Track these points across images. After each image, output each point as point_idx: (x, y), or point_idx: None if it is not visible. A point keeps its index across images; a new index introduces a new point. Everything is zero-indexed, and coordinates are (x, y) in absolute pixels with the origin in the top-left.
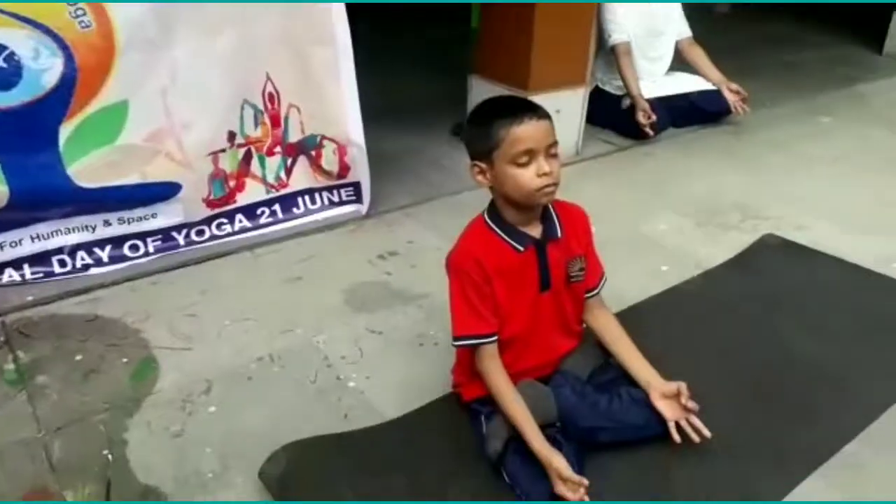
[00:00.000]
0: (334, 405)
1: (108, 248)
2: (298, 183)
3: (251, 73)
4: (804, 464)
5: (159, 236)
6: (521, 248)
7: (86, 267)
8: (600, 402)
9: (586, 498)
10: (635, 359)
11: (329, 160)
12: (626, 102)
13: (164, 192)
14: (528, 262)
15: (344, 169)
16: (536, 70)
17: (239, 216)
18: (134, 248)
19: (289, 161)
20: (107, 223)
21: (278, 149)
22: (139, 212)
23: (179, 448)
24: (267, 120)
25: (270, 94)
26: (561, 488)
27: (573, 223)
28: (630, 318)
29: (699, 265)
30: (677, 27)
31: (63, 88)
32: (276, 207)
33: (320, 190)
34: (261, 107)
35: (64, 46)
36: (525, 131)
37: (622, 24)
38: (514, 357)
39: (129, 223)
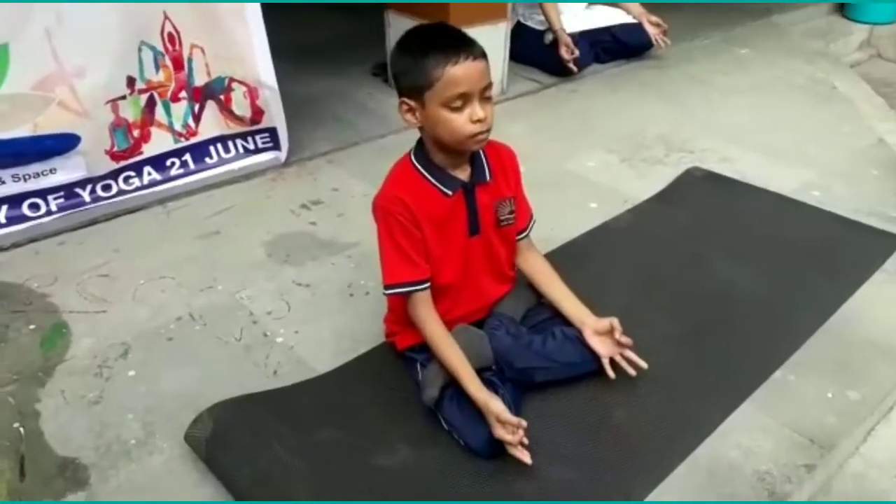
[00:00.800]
0: (262, 362)
1: (3, 208)
2: (209, 130)
3: (146, 12)
4: (736, 392)
5: (61, 193)
6: (450, 193)
7: None
8: (535, 342)
9: (525, 440)
10: (567, 298)
11: (240, 104)
12: (549, 38)
13: (61, 144)
14: (456, 207)
15: (257, 113)
16: (454, 4)
17: (147, 168)
18: (34, 206)
19: (196, 107)
20: (1, 181)
21: (184, 94)
22: (36, 167)
23: (98, 416)
24: (168, 62)
25: (170, 35)
26: (500, 431)
27: (502, 164)
28: (562, 257)
29: (627, 200)
30: None
31: None
32: (187, 157)
33: (233, 137)
34: (160, 48)
35: None
36: (461, 72)
37: None
38: (450, 305)
39: (25, 180)
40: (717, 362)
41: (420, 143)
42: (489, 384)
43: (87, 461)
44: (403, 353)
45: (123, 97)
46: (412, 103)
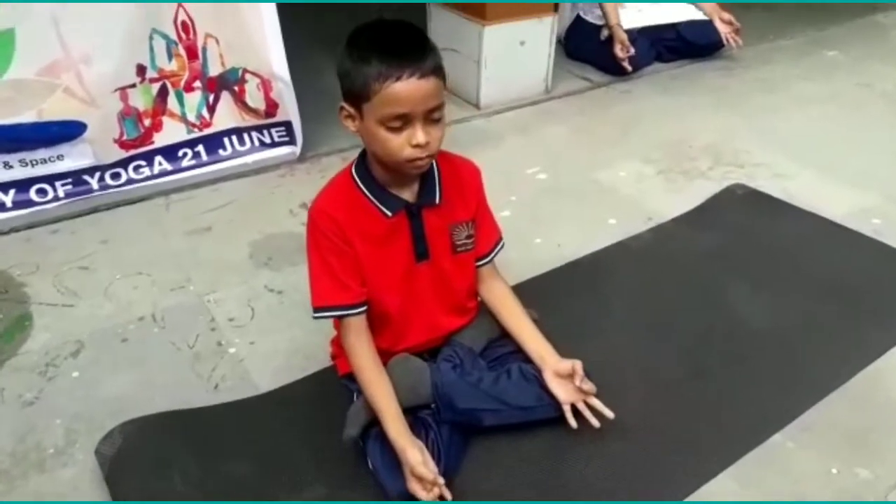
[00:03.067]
0: (207, 374)
1: (11, 192)
2: (223, 122)
3: (163, 1)
4: (720, 456)
5: (69, 180)
6: (390, 214)
7: None
8: (485, 379)
9: (447, 495)
10: (529, 333)
11: (253, 96)
12: (605, 34)
13: (66, 131)
14: (398, 229)
15: (271, 106)
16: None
17: (158, 158)
18: (42, 192)
19: (210, 97)
20: (7, 165)
21: (198, 83)
22: (43, 153)
23: (28, 419)
24: (182, 51)
25: (184, 23)
26: (413, 485)
27: (460, 184)
28: (560, 279)
29: (652, 218)
30: None
31: None
32: (200, 149)
33: (249, 130)
34: (173, 37)
35: None
36: (403, 91)
37: None
38: (395, 336)
39: (32, 165)
40: (708, 416)
41: (363, 155)
42: (421, 425)
43: (2, 466)
44: (342, 380)
45: (133, 85)
46: (351, 110)
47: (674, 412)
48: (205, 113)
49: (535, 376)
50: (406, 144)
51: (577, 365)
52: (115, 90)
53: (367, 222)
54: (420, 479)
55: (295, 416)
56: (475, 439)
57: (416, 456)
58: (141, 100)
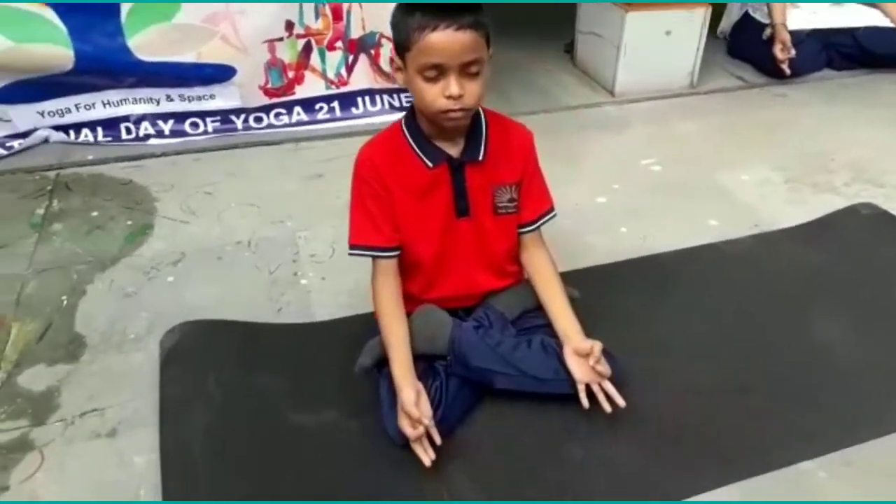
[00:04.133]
0: (276, 298)
1: (170, 122)
2: (359, 82)
3: None
4: (732, 469)
5: (218, 117)
6: (431, 165)
7: (147, 137)
8: (504, 343)
9: (436, 438)
10: (559, 307)
11: (386, 61)
12: (767, 32)
13: (218, 73)
14: (439, 181)
15: None
16: None
17: (297, 108)
18: (194, 125)
19: (350, 58)
20: (169, 98)
21: (339, 44)
22: (198, 90)
23: (123, 307)
24: (328, 12)
25: None
26: (402, 421)
27: (507, 146)
28: (629, 268)
29: (759, 225)
30: None
31: None
32: (335, 104)
33: (380, 92)
34: None
35: None
36: (438, 41)
37: None
38: (426, 284)
39: (189, 101)
40: (735, 430)
41: (413, 108)
42: (431, 373)
43: (90, 342)
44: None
45: (280, 39)
46: (399, 62)
47: (700, 420)
48: (343, 72)
49: (555, 350)
50: (440, 95)
51: (597, 346)
52: (265, 42)
53: (410, 172)
54: (408, 417)
55: (333, 347)
56: (487, 400)
57: (409, 395)
58: (287, 53)
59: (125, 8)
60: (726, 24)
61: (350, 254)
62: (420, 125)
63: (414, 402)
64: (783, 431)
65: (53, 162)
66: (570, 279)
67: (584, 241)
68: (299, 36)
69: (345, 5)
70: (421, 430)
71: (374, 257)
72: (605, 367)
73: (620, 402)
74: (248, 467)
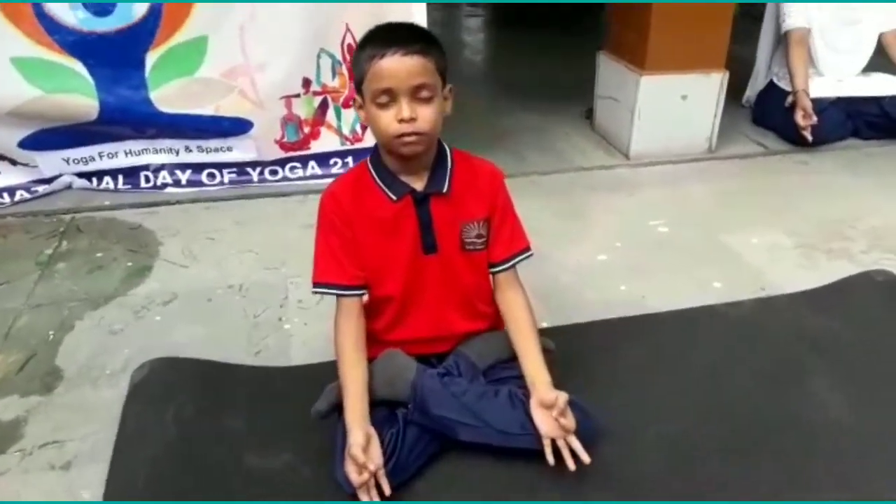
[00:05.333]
0: (257, 341)
1: (188, 172)
2: (373, 139)
3: (330, 23)
4: None
5: (234, 169)
6: (395, 198)
7: (164, 185)
8: (469, 393)
9: (385, 488)
10: (529, 353)
11: None
12: (790, 99)
13: (236, 127)
14: (404, 215)
15: None
16: (655, 47)
17: (312, 162)
18: (211, 176)
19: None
20: (188, 149)
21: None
22: (215, 143)
23: (105, 344)
24: (345, 71)
25: (350, 46)
26: (348, 466)
27: (474, 181)
28: (623, 326)
29: (766, 288)
30: (882, 16)
31: (150, 19)
32: (349, 160)
33: None
34: (339, 57)
35: None
36: (386, 66)
37: (802, 7)
38: (392, 321)
39: (206, 152)
40: (714, 493)
41: (377, 145)
42: (389, 420)
43: (67, 375)
44: None
45: (297, 95)
46: (359, 99)
47: (678, 482)
48: (358, 129)
49: (522, 402)
50: (393, 120)
51: (562, 397)
52: (282, 98)
53: (374, 206)
54: (354, 462)
55: (300, 391)
56: (448, 454)
57: (357, 438)
58: (303, 109)
59: (150, 62)
60: (751, 92)
61: (314, 292)
62: (384, 161)
63: (362, 446)
64: (768, 496)
65: (71, 206)
66: (563, 333)
67: (581, 297)
68: (316, 93)
69: None
70: (366, 476)
71: (338, 296)
72: (569, 421)
73: (585, 458)
74: None
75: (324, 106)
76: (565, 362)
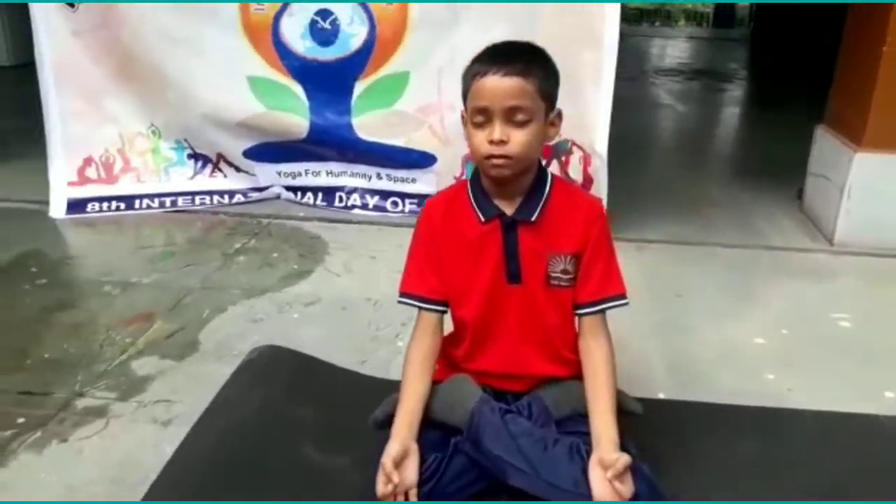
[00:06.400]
0: (368, 351)
1: (376, 197)
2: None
3: None
4: None
5: (415, 200)
6: (483, 219)
7: (353, 207)
8: (527, 435)
9: (396, 496)
10: (600, 408)
11: (575, 168)
12: None
13: (422, 160)
14: (490, 239)
15: (587, 180)
16: (878, 120)
17: None
18: (395, 203)
19: (543, 163)
20: (379, 176)
21: None
22: (402, 173)
23: (244, 329)
24: None
25: None
26: (379, 474)
27: (570, 213)
28: (752, 418)
29: None
30: None
31: (364, 52)
32: None
33: None
34: None
35: (370, 17)
36: (484, 86)
37: None
38: (469, 350)
39: (394, 181)
40: None
41: None
42: (439, 443)
43: (203, 349)
44: None
45: None
46: (465, 115)
47: None
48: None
49: (582, 458)
50: (485, 141)
51: (623, 459)
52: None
53: (464, 225)
54: (383, 471)
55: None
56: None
57: (393, 448)
58: None
59: (357, 90)
60: None
61: (398, 302)
62: (482, 181)
63: (394, 457)
64: None
65: (272, 212)
66: (677, 409)
67: (713, 376)
68: None
69: None
70: (390, 489)
71: (418, 307)
72: (625, 487)
73: None
74: (235, 478)
75: None
76: (662, 438)
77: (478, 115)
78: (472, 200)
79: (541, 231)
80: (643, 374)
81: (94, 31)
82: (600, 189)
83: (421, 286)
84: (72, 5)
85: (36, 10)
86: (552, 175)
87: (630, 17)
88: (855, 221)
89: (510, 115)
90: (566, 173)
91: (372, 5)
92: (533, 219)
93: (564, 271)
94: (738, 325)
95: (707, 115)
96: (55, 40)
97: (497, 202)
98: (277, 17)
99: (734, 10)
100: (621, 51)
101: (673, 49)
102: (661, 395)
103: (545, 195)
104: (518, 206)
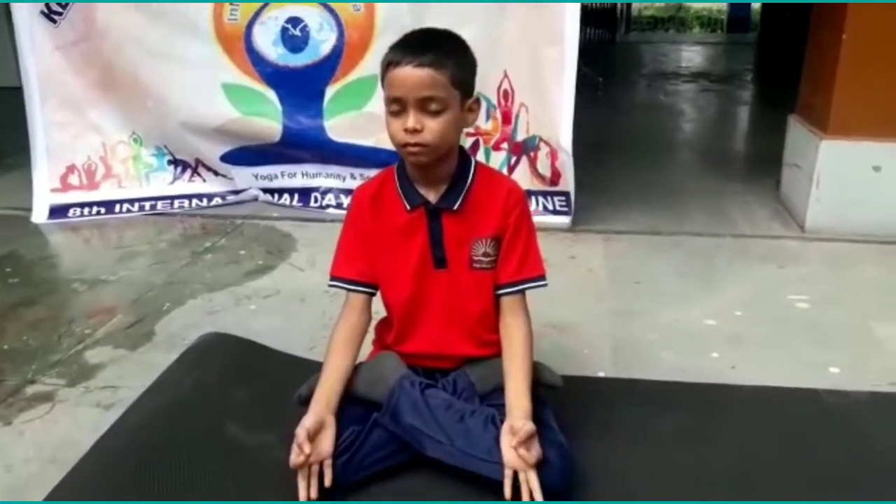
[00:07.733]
0: (319, 338)
1: (349, 197)
2: (519, 182)
3: (490, 69)
4: None
5: None
6: (409, 207)
7: (328, 206)
8: (445, 408)
9: (327, 474)
10: (516, 380)
11: (543, 164)
12: None
13: (392, 158)
14: (415, 225)
15: (555, 175)
16: (841, 107)
17: None
18: None
19: (513, 159)
20: (353, 176)
21: (505, 145)
22: (373, 172)
23: (199, 320)
24: (499, 115)
25: (505, 91)
26: (294, 446)
27: (491, 199)
28: (689, 393)
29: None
30: None
31: (333, 57)
32: None
33: (536, 194)
34: (494, 101)
35: (339, 24)
36: (397, 76)
37: None
38: (400, 333)
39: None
40: None
41: None
42: (358, 418)
43: (156, 339)
44: None
45: None
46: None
47: None
48: (505, 171)
49: (497, 427)
50: (401, 129)
51: (527, 426)
52: None
53: (391, 211)
54: (294, 442)
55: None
56: (412, 469)
57: (308, 420)
58: None
59: (328, 95)
60: None
61: (329, 285)
62: (406, 168)
63: (307, 429)
64: None
65: (248, 213)
66: (610, 385)
67: (656, 356)
68: (469, 135)
69: (514, 109)
70: (301, 459)
71: (346, 290)
72: (530, 453)
73: (537, 495)
74: (159, 455)
75: (475, 147)
76: (586, 414)
77: (393, 105)
78: (399, 188)
79: (464, 218)
80: (587, 355)
81: (76, 44)
82: (568, 183)
83: (349, 269)
84: (53, 21)
85: (20, 26)
86: (476, 161)
87: (644, 25)
88: (824, 208)
89: (424, 105)
90: (535, 168)
91: (340, 12)
92: (455, 207)
93: (486, 254)
94: (690, 308)
95: (706, 114)
96: (39, 55)
97: (422, 190)
98: (250, 26)
99: (749, 13)
100: (614, 56)
101: (679, 54)
102: (602, 374)
103: (468, 183)
104: (442, 195)
